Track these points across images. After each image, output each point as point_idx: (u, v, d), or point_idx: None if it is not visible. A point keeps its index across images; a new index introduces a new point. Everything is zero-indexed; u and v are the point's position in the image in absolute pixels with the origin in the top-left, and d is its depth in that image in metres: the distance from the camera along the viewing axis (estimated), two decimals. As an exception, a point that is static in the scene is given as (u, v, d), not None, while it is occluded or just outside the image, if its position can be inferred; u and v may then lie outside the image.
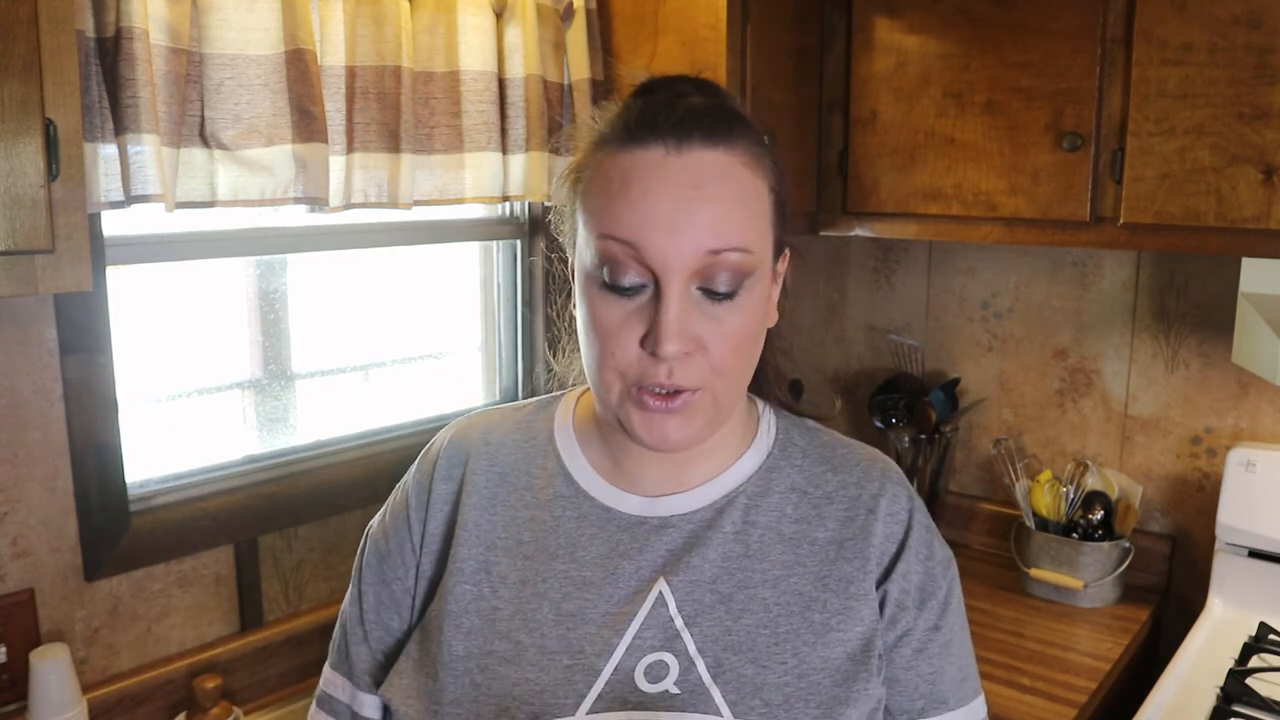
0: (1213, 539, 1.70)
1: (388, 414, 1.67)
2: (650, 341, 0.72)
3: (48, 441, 1.22)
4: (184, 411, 1.45)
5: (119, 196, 1.12)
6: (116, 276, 1.28)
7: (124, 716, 1.29)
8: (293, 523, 1.48)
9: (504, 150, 1.53)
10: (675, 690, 0.76)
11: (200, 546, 1.38)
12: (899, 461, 1.88)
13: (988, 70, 1.53)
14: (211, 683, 1.30)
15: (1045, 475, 1.84)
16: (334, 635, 0.93)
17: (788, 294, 0.87)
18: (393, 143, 1.38)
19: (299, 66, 1.23)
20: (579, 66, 1.59)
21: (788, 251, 0.85)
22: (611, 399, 0.76)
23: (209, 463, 1.44)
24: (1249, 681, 1.42)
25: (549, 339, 0.98)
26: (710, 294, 0.74)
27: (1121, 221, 1.44)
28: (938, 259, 2.06)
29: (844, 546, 0.82)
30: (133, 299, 1.35)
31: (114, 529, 1.28)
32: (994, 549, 1.99)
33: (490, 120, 1.50)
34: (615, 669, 0.77)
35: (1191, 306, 1.77)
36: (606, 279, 0.74)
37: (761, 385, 0.90)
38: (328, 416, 1.61)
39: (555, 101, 1.59)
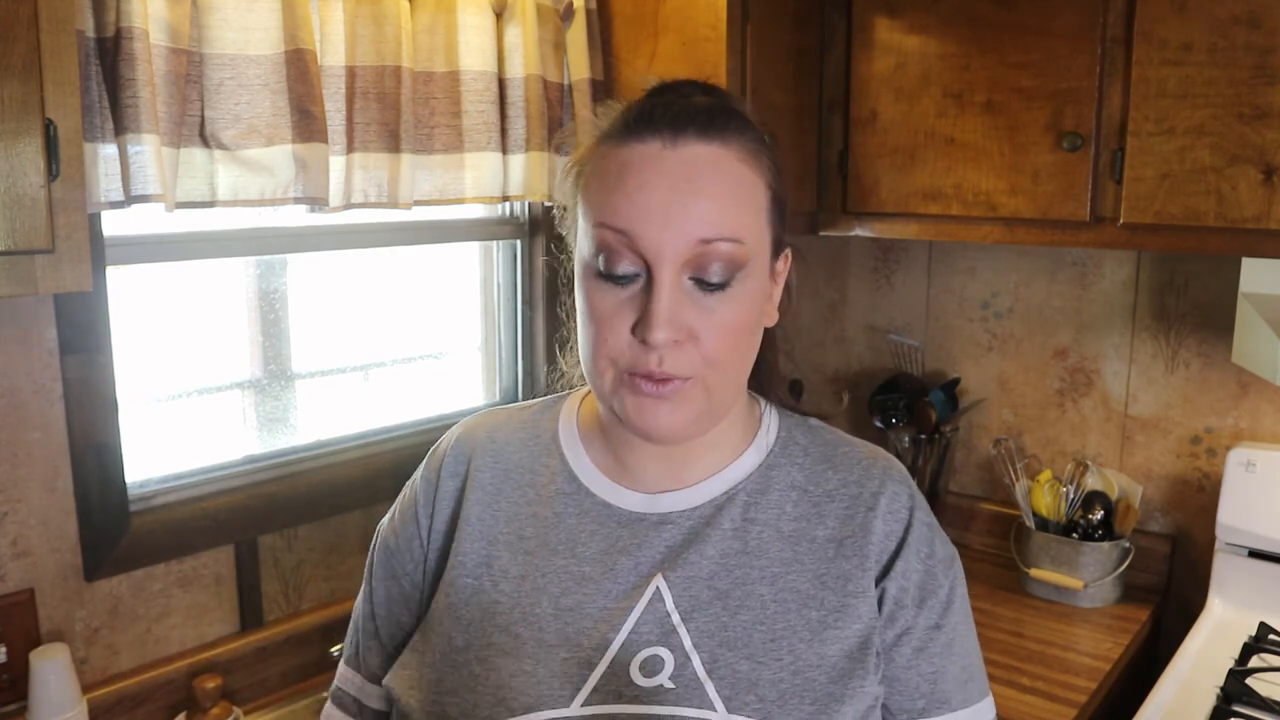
0: (1213, 539, 1.70)
1: (388, 414, 1.67)
2: (641, 329, 0.74)
3: (48, 441, 1.22)
4: (184, 411, 1.45)
5: (119, 196, 1.12)
6: (116, 276, 1.28)
7: (124, 716, 1.29)
8: (293, 523, 1.48)
9: (504, 150, 1.53)
10: (670, 685, 0.76)
11: (200, 546, 1.38)
12: (899, 461, 1.89)
13: (988, 70, 1.53)
14: (211, 683, 1.30)
15: (1045, 475, 1.84)
16: (348, 632, 0.95)
17: (791, 296, 0.87)
18: (393, 143, 1.38)
19: (299, 66, 1.23)
20: (579, 66, 1.59)
21: (789, 252, 0.85)
22: (605, 386, 0.77)
23: (209, 463, 1.44)
24: (1249, 681, 1.42)
25: (558, 339, 0.99)
26: (702, 284, 0.75)
27: (1121, 221, 1.44)
28: (938, 259, 2.06)
29: (843, 544, 0.82)
30: (133, 299, 1.35)
31: (114, 529, 1.28)
32: (994, 549, 1.99)
33: (490, 120, 1.50)
34: (611, 662, 0.78)
35: (1191, 306, 1.77)
36: (601, 267, 0.75)
37: (763, 385, 0.91)
38: (328, 416, 1.61)
39: (555, 101, 1.59)
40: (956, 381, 2.04)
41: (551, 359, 1.00)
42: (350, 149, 1.34)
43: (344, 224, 1.53)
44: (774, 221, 0.80)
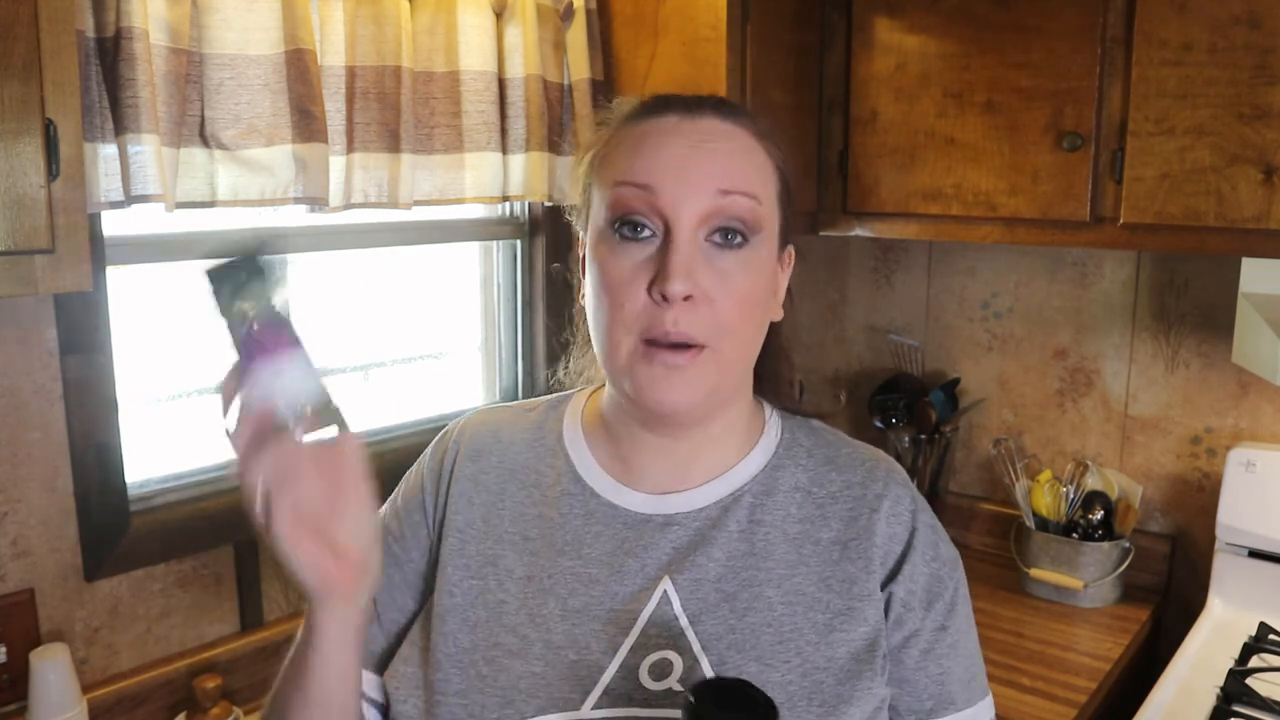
0: (1213, 539, 1.70)
1: (388, 414, 1.67)
2: (658, 283, 0.74)
3: (48, 441, 1.22)
4: (184, 411, 1.45)
5: (119, 196, 1.12)
6: (116, 276, 1.28)
7: (124, 716, 1.29)
8: (293, 523, 1.48)
9: (504, 150, 1.53)
10: (680, 688, 0.76)
11: (200, 546, 1.38)
12: (899, 461, 1.89)
13: (988, 70, 1.53)
14: (211, 683, 1.30)
15: (1045, 475, 1.84)
16: None
17: (792, 298, 0.88)
18: (393, 143, 1.38)
19: (299, 66, 1.23)
20: (579, 66, 1.59)
21: (792, 249, 0.86)
22: (619, 360, 0.77)
23: (209, 463, 1.44)
24: (1249, 681, 1.42)
25: (561, 342, 0.99)
26: (718, 242, 0.76)
27: (1121, 221, 1.44)
28: (938, 259, 2.06)
29: (848, 547, 0.82)
30: (133, 299, 1.35)
31: (114, 529, 1.28)
32: (994, 549, 1.99)
33: (490, 120, 1.50)
34: (620, 666, 0.77)
35: (1191, 306, 1.77)
36: (618, 228, 0.77)
37: (766, 388, 0.91)
38: (328, 416, 1.61)
39: (555, 101, 1.59)
40: (956, 381, 2.04)
41: (551, 359, 1.01)
42: (350, 149, 1.34)
43: (344, 224, 1.53)
44: (783, 206, 0.82)
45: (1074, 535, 1.77)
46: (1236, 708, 1.36)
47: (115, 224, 1.27)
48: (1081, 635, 1.66)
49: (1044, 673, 1.54)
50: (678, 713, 0.75)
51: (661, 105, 0.80)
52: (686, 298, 0.74)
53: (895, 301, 2.13)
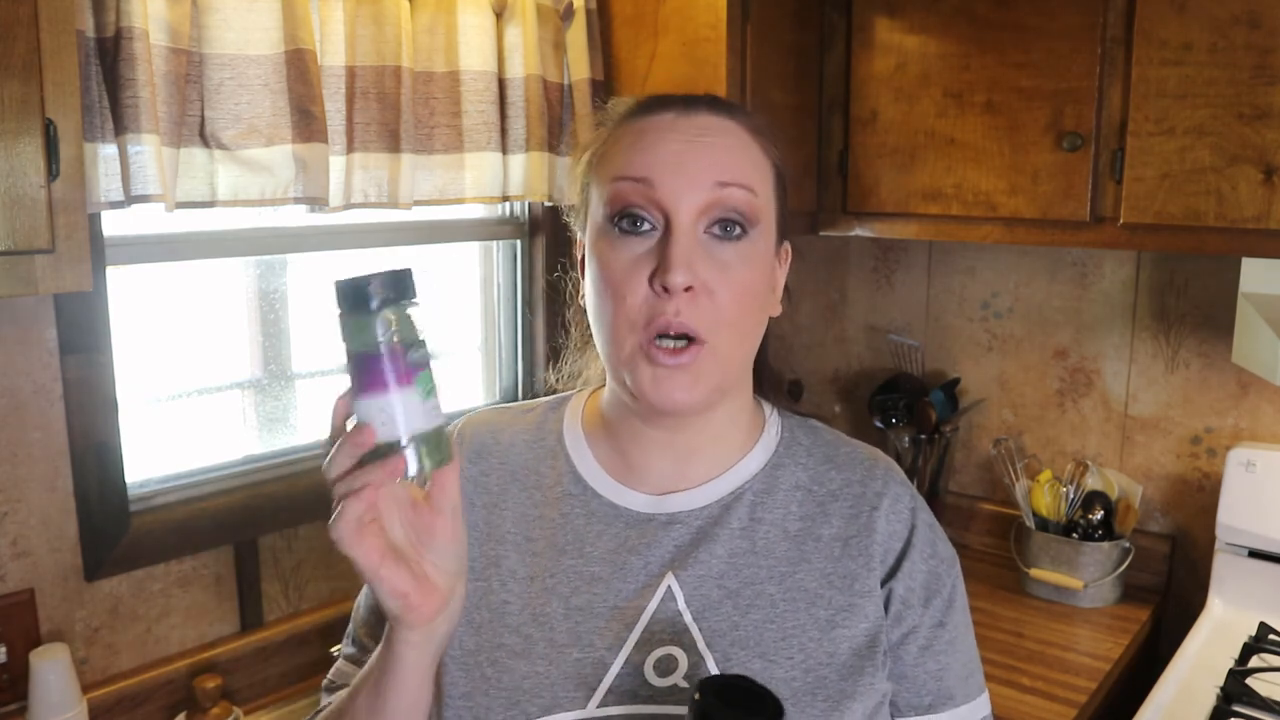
0: (1213, 539, 1.70)
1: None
2: (659, 275, 0.75)
3: (48, 441, 1.22)
4: (184, 411, 1.45)
5: (119, 196, 1.12)
6: (116, 276, 1.28)
7: (124, 716, 1.29)
8: (293, 523, 1.48)
9: (504, 150, 1.53)
10: (684, 684, 0.77)
11: (200, 546, 1.38)
12: (899, 461, 1.89)
13: (988, 70, 1.53)
14: (211, 683, 1.30)
15: (1045, 475, 1.84)
16: (348, 629, 0.94)
17: (790, 296, 0.88)
18: (393, 143, 1.38)
19: (299, 66, 1.23)
20: (579, 66, 1.59)
21: (789, 246, 0.87)
22: (622, 356, 0.78)
23: (209, 463, 1.44)
24: (1249, 681, 1.42)
25: (553, 346, 0.99)
26: (717, 235, 0.77)
27: (1121, 221, 1.44)
28: (938, 259, 2.06)
29: (849, 544, 0.83)
30: (133, 299, 1.35)
31: (114, 529, 1.28)
32: (994, 549, 1.99)
33: (490, 120, 1.50)
34: (625, 662, 0.78)
35: (1191, 306, 1.77)
36: (618, 222, 0.77)
37: (763, 387, 0.91)
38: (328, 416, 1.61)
39: (555, 101, 1.59)
40: (956, 381, 2.04)
41: (551, 360, 1.01)
42: (350, 149, 1.34)
43: (344, 224, 1.53)
44: (779, 201, 0.83)
45: (1074, 535, 1.77)
46: (1236, 708, 1.36)
47: (115, 224, 1.27)
48: (1081, 635, 1.66)
49: (1044, 673, 1.54)
50: (683, 709, 0.75)
51: (657, 104, 0.80)
52: (687, 289, 0.75)
53: (895, 301, 2.13)
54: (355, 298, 0.66)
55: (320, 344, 1.61)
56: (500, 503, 0.87)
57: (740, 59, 1.53)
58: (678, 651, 0.78)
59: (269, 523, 1.45)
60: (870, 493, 0.85)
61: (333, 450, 0.68)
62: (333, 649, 1.46)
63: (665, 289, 0.74)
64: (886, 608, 0.82)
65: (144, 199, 1.11)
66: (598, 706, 0.76)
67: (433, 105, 1.44)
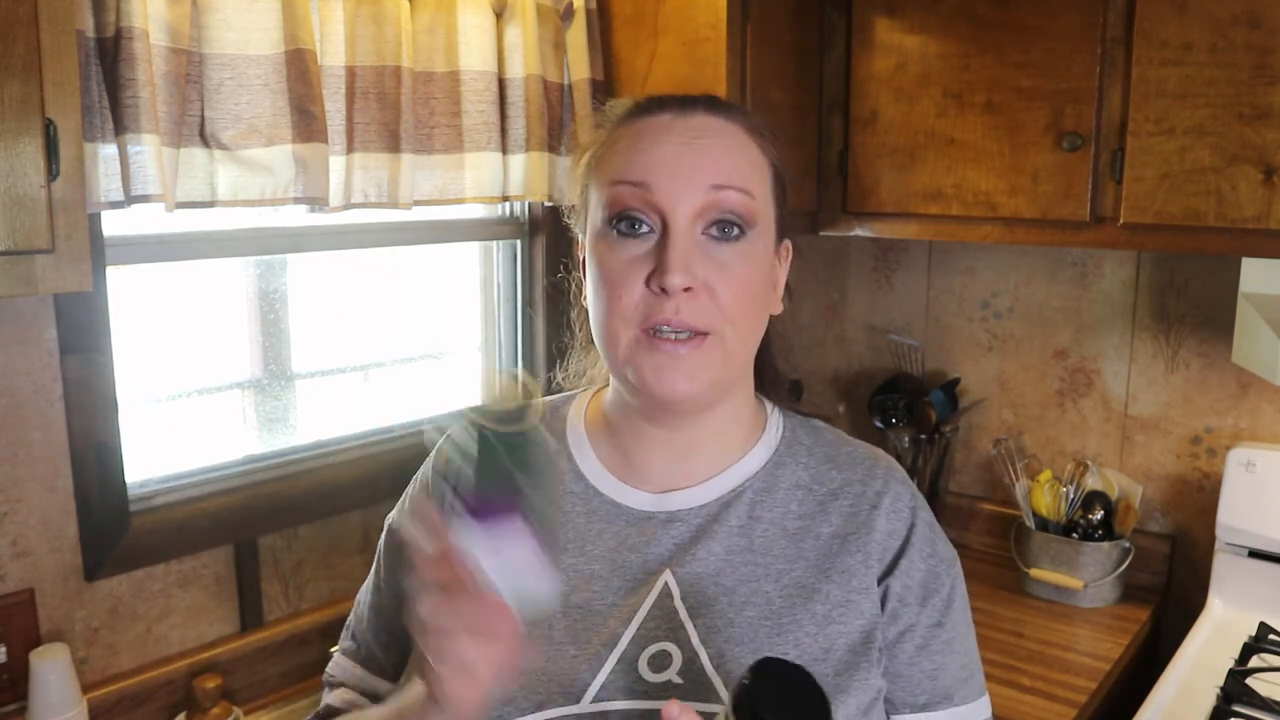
0: (1213, 539, 1.70)
1: (388, 414, 1.67)
2: (657, 277, 0.75)
3: (48, 441, 1.22)
4: (184, 411, 1.45)
5: (119, 196, 1.12)
6: (116, 276, 1.28)
7: (124, 716, 1.29)
8: (293, 523, 1.48)
9: (504, 150, 1.53)
10: (678, 680, 0.77)
11: (200, 546, 1.38)
12: (899, 461, 1.89)
13: (988, 70, 1.53)
14: (211, 683, 1.30)
15: (1045, 475, 1.84)
16: (348, 623, 0.95)
17: (791, 295, 0.88)
18: (393, 143, 1.38)
19: (299, 66, 1.23)
20: (579, 66, 1.59)
21: (789, 244, 0.87)
22: (620, 351, 0.78)
23: (209, 463, 1.44)
24: (1249, 681, 1.42)
25: (557, 347, 1.00)
26: (714, 236, 0.77)
27: (1121, 221, 1.44)
28: (938, 259, 2.06)
29: (847, 540, 0.83)
30: (133, 299, 1.35)
31: (114, 529, 1.28)
32: (994, 549, 1.99)
33: (490, 120, 1.50)
34: (620, 658, 0.78)
35: (1191, 306, 1.77)
36: (615, 225, 0.77)
37: (765, 387, 0.92)
38: (328, 416, 1.61)
39: (555, 101, 1.59)
40: (956, 381, 2.04)
41: (551, 360, 1.01)
42: (350, 149, 1.34)
43: (344, 224, 1.53)
44: (777, 200, 0.83)
45: (1074, 535, 1.77)
46: (1236, 708, 1.36)
47: (115, 224, 1.27)
48: (1081, 635, 1.66)
49: (1044, 673, 1.54)
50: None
51: (655, 105, 0.81)
52: (686, 289, 0.75)
53: (895, 301, 2.13)
54: (475, 431, 0.63)
55: (320, 344, 1.61)
56: None
57: (740, 59, 1.53)
58: (672, 647, 0.78)
59: (269, 523, 1.45)
60: (870, 491, 0.85)
61: (431, 565, 0.66)
62: (333, 649, 1.46)
63: (663, 290, 0.74)
64: (883, 605, 0.82)
65: (144, 199, 1.11)
66: (591, 702, 0.77)
67: (433, 105, 1.44)
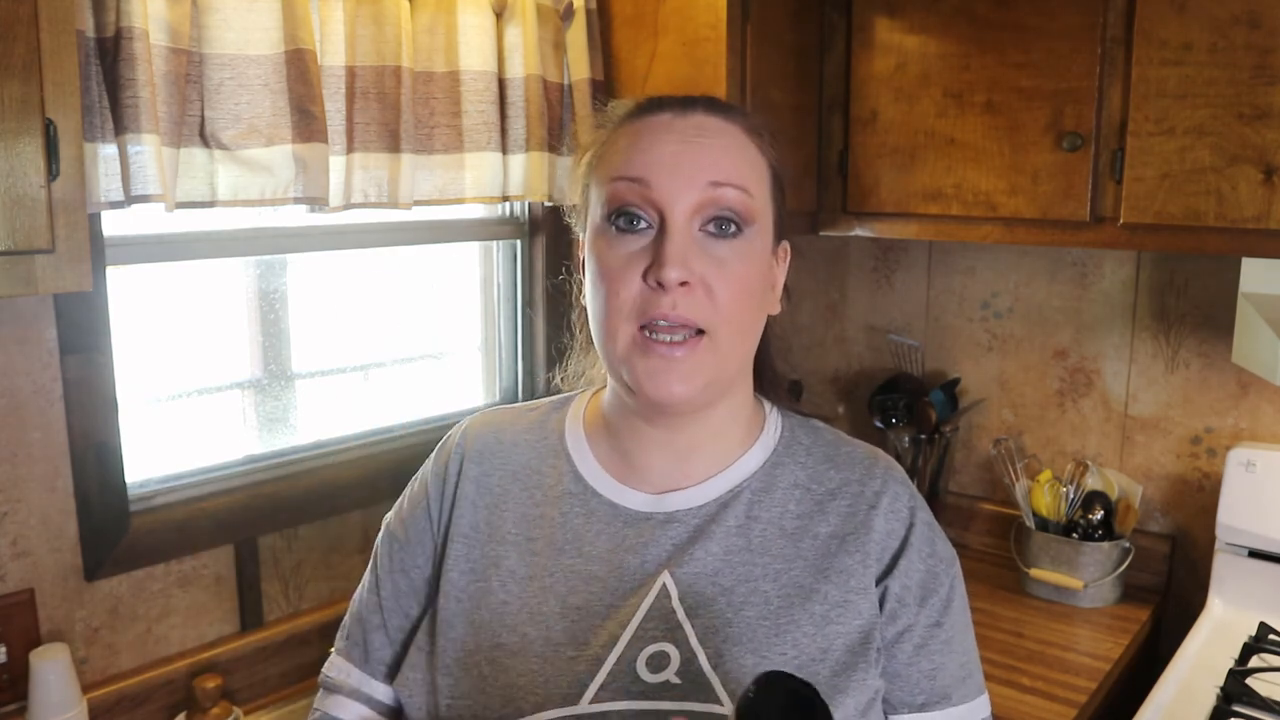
0: (1213, 539, 1.70)
1: (387, 414, 1.67)
2: (654, 271, 0.75)
3: (48, 441, 1.22)
4: (184, 411, 1.45)
5: (119, 196, 1.12)
6: (116, 276, 1.28)
7: (124, 716, 1.29)
8: (293, 523, 1.48)
9: (504, 150, 1.53)
10: (676, 680, 0.77)
11: (200, 546, 1.38)
12: (899, 461, 1.89)
13: (988, 70, 1.53)
14: (211, 683, 1.30)
15: (1045, 475, 1.84)
16: (344, 623, 0.95)
17: (789, 295, 0.88)
18: (393, 143, 1.38)
19: (299, 66, 1.23)
20: (579, 66, 1.59)
21: (787, 245, 0.88)
22: (618, 350, 0.78)
23: (209, 463, 1.44)
24: (1249, 681, 1.42)
25: (559, 348, 1.00)
26: (712, 232, 0.78)
27: (1121, 221, 1.44)
28: (938, 259, 2.06)
29: (845, 541, 0.83)
30: (133, 299, 1.35)
31: (114, 529, 1.28)
32: (994, 549, 1.99)
33: (490, 120, 1.50)
34: (618, 659, 0.78)
35: (1191, 306, 1.77)
36: (614, 220, 0.78)
37: (764, 387, 0.91)
38: (328, 416, 1.61)
39: (555, 101, 1.59)
40: (956, 381, 2.04)
41: (551, 360, 1.01)
42: (350, 149, 1.34)
43: (344, 224, 1.53)
44: (776, 200, 0.84)
45: (1074, 535, 1.77)
46: (1236, 708, 1.36)
47: (115, 224, 1.27)
48: (1081, 635, 1.66)
49: (1044, 673, 1.54)
50: (674, 704, 0.76)
51: (655, 105, 0.81)
52: (683, 284, 0.75)
53: (895, 301, 2.13)
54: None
55: (320, 344, 1.61)
56: (502, 502, 0.87)
57: (740, 59, 1.53)
58: (670, 647, 0.78)
59: (269, 523, 1.45)
60: (869, 491, 0.85)
61: None
62: (332, 649, 1.46)
63: (660, 284, 0.75)
64: (881, 605, 0.82)
65: (144, 199, 1.11)
66: (590, 703, 0.77)
67: (433, 105, 1.44)
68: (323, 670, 0.94)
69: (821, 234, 1.79)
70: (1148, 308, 1.82)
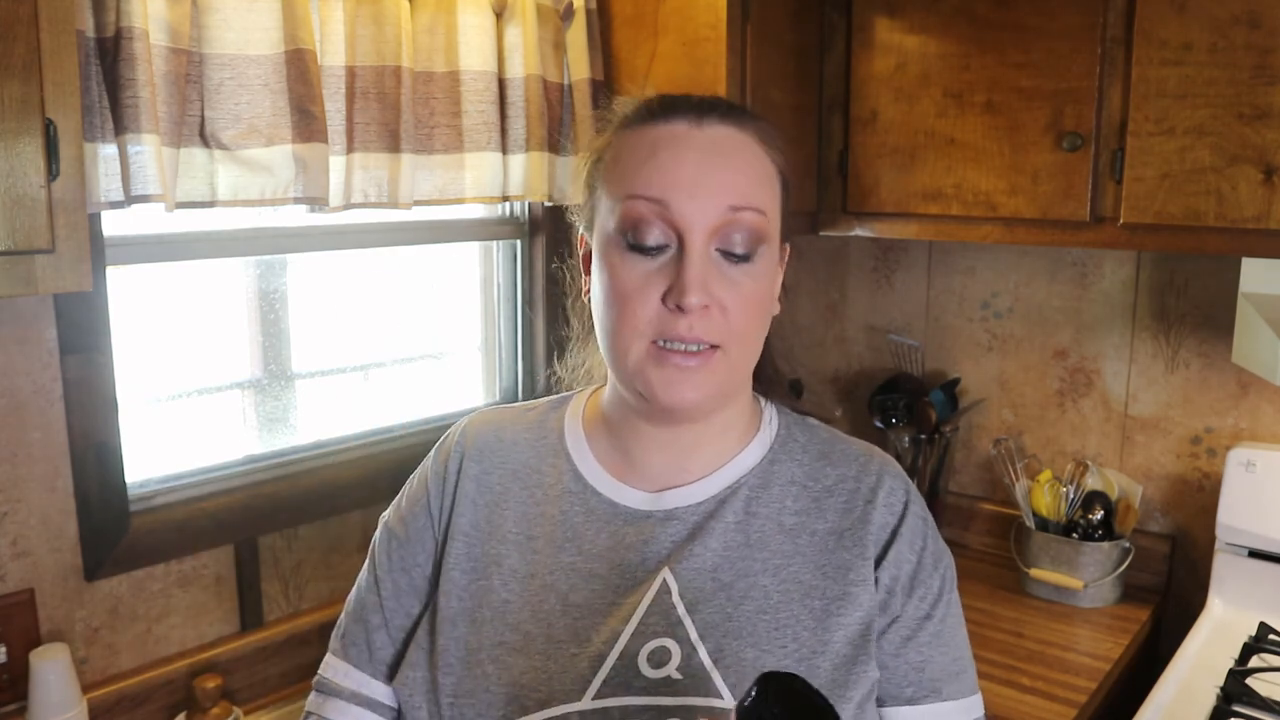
0: (1213, 539, 1.70)
1: (388, 414, 1.67)
2: (674, 295, 0.76)
3: (48, 441, 1.22)
4: (184, 411, 1.45)
5: (119, 196, 1.12)
6: (116, 276, 1.28)
7: (124, 716, 1.29)
8: (293, 523, 1.48)
9: (504, 150, 1.53)
10: (678, 675, 0.77)
11: (200, 546, 1.38)
12: (899, 461, 1.89)
13: (988, 70, 1.53)
14: (211, 683, 1.30)
15: (1045, 475, 1.84)
16: (340, 622, 0.94)
17: (787, 293, 0.89)
18: (393, 143, 1.38)
19: (299, 66, 1.23)
20: (579, 66, 1.59)
21: (789, 245, 0.88)
22: (629, 362, 0.79)
23: (209, 463, 1.44)
24: (1249, 681, 1.42)
25: (556, 340, 1.00)
26: (728, 255, 0.78)
27: (1121, 221, 1.44)
28: (938, 259, 2.06)
29: (843, 536, 0.84)
30: (133, 299, 1.35)
31: (114, 529, 1.28)
32: (994, 549, 1.99)
33: (490, 120, 1.50)
34: (620, 655, 0.79)
35: (1191, 306, 1.77)
36: (631, 239, 0.78)
37: (763, 385, 0.92)
38: (328, 416, 1.61)
39: (555, 101, 1.59)
40: (956, 381, 2.04)
41: (551, 359, 1.02)
42: (350, 149, 1.34)
43: (344, 224, 1.53)
44: (784, 207, 0.85)
45: (1074, 535, 1.77)
46: (1236, 708, 1.36)
47: (115, 224, 1.27)
48: (1081, 635, 1.66)
49: (1044, 673, 1.54)
50: (676, 700, 0.76)
51: (669, 109, 0.80)
52: (703, 307, 0.76)
53: (895, 301, 2.13)
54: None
55: (320, 344, 1.61)
56: (502, 501, 0.88)
57: (740, 59, 1.53)
58: (670, 643, 0.79)
59: (269, 523, 1.45)
60: (865, 487, 0.86)
61: None
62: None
63: (680, 308, 0.76)
64: (876, 594, 0.83)
65: (144, 199, 1.11)
66: (593, 699, 0.77)
67: (433, 105, 1.44)
68: (318, 673, 0.93)
69: (821, 234, 1.79)
70: (1148, 308, 1.82)
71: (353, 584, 0.95)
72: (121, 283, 1.31)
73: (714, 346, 0.78)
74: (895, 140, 1.65)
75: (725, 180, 0.78)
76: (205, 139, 1.21)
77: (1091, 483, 1.80)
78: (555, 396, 0.97)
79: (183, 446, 1.42)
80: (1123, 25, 1.41)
